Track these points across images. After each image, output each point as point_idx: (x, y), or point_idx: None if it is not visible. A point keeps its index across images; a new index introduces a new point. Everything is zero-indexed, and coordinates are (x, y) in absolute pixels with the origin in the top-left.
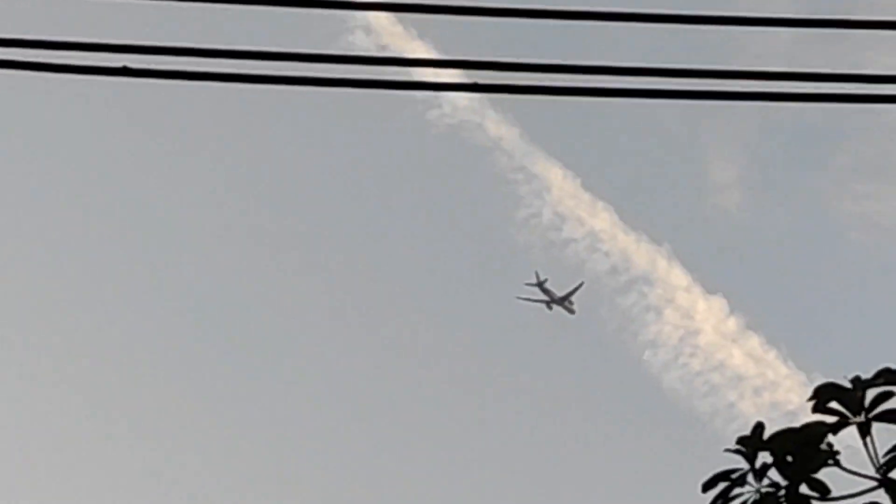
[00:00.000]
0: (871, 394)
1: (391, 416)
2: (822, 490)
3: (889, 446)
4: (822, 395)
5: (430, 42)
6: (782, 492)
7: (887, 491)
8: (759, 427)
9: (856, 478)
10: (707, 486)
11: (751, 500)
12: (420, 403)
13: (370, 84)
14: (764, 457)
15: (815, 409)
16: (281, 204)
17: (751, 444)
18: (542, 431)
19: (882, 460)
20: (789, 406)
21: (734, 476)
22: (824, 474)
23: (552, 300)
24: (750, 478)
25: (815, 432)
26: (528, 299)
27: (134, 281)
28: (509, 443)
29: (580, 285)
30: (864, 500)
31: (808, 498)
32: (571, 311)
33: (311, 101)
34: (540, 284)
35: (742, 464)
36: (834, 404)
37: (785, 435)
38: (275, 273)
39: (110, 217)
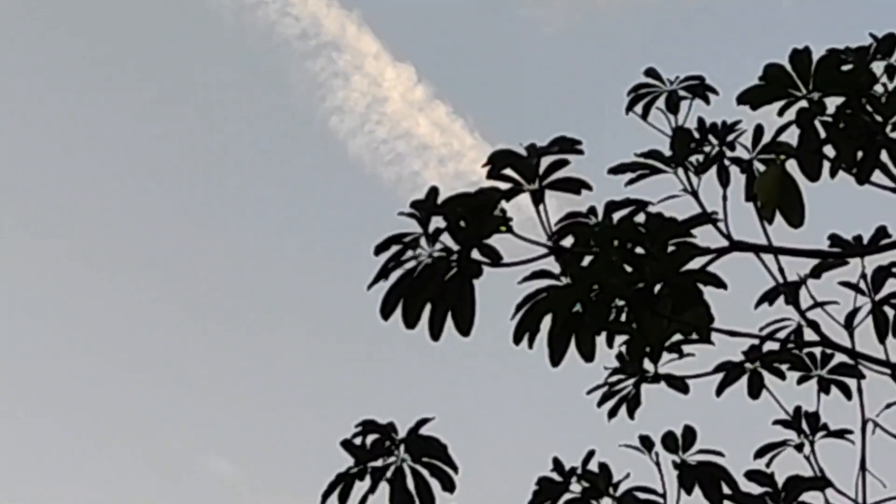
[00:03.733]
0: (545, 161)
1: None
2: (494, 256)
3: (561, 214)
4: (497, 162)
5: None
6: (454, 256)
7: (557, 258)
8: (433, 192)
9: (528, 245)
10: (379, 249)
11: (423, 263)
12: None
13: None
14: (437, 221)
15: (490, 176)
16: None
17: (424, 208)
18: (221, 190)
19: (554, 228)
20: (473, 177)
21: (406, 240)
22: (497, 241)
23: None
24: (423, 242)
25: (488, 198)
26: None
27: None
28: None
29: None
30: (534, 267)
31: (479, 263)
32: None
33: None
34: None
35: (416, 228)
36: (508, 171)
37: (458, 200)
38: None
39: None
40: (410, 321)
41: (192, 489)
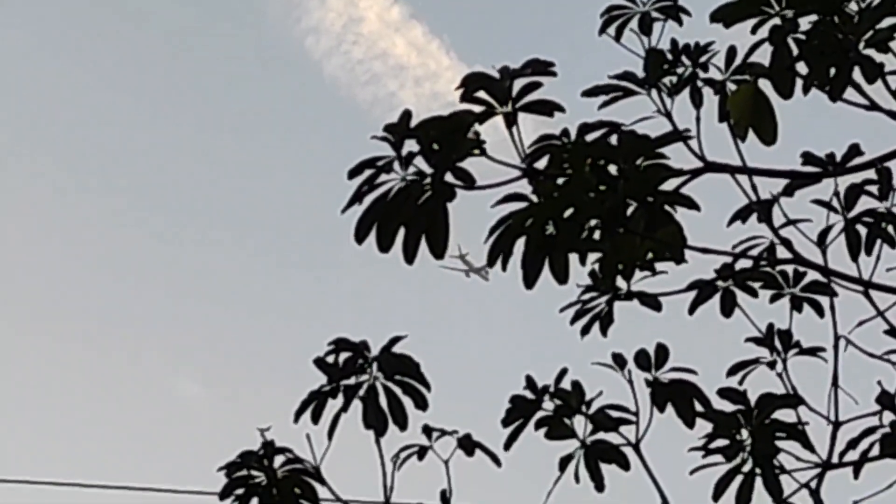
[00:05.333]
0: (518, 84)
1: None
2: (468, 179)
3: (535, 137)
4: (470, 85)
5: None
6: (428, 180)
7: (530, 180)
8: (407, 115)
9: (502, 168)
10: (353, 174)
11: (396, 187)
12: None
13: None
14: (411, 145)
15: (463, 99)
16: None
17: (397, 131)
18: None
19: (528, 151)
20: (450, 97)
21: (380, 163)
22: (470, 164)
23: (470, 269)
24: (396, 165)
25: (461, 121)
26: (450, 268)
27: None
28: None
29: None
30: (508, 190)
31: (452, 186)
32: (486, 279)
33: None
34: (462, 257)
35: (389, 151)
36: (481, 94)
37: (431, 123)
38: None
39: None
40: (384, 245)
41: (161, 411)
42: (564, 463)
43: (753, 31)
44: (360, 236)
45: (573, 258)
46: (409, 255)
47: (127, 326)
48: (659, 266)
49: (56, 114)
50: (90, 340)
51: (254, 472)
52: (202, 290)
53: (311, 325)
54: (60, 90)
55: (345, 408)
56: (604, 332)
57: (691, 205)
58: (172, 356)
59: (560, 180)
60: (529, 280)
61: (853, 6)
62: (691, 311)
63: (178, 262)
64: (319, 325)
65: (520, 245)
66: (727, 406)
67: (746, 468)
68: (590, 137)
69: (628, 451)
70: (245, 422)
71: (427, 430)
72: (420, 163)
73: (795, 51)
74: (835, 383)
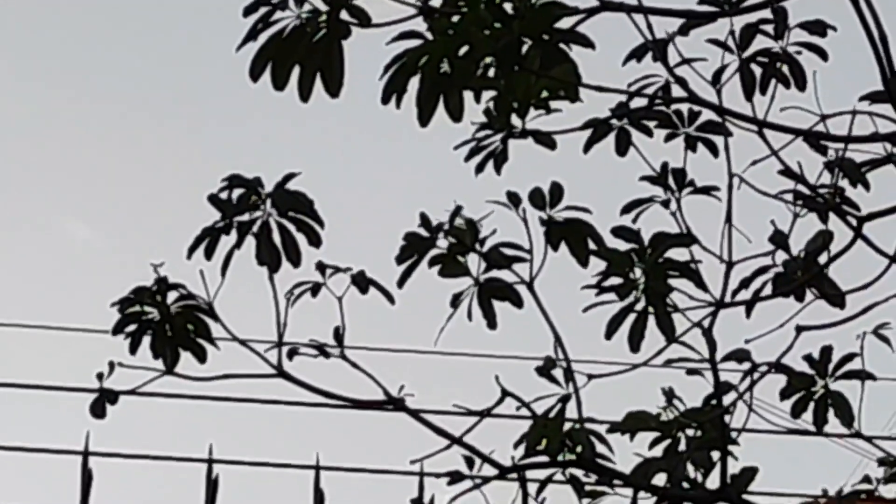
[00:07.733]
0: None
1: None
2: (362, 17)
3: None
4: None
5: None
6: (323, 17)
7: (425, 18)
8: None
9: (398, 6)
10: (248, 11)
11: (291, 24)
12: None
13: None
14: None
15: None
16: None
17: None
18: None
19: None
20: None
21: (275, 1)
22: (366, 2)
23: None
24: (291, 3)
25: None
26: None
27: None
28: None
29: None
30: (403, 28)
31: (348, 24)
32: None
33: None
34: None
35: None
36: None
37: None
38: None
39: None
40: (279, 83)
41: (47, 253)
42: (457, 300)
43: None
44: (254, 74)
45: (468, 96)
46: (304, 94)
47: (9, 167)
48: (554, 104)
49: None
50: None
51: (146, 308)
52: (90, 125)
53: (204, 162)
54: None
55: (238, 244)
56: (498, 169)
57: (586, 43)
58: (60, 198)
59: (455, 18)
60: (424, 118)
61: None
62: (586, 149)
63: (65, 103)
64: (213, 163)
65: (414, 83)
66: (621, 245)
67: (639, 306)
68: None
69: (522, 289)
70: (137, 265)
71: (321, 267)
72: (316, 1)
73: None
74: (728, 222)
